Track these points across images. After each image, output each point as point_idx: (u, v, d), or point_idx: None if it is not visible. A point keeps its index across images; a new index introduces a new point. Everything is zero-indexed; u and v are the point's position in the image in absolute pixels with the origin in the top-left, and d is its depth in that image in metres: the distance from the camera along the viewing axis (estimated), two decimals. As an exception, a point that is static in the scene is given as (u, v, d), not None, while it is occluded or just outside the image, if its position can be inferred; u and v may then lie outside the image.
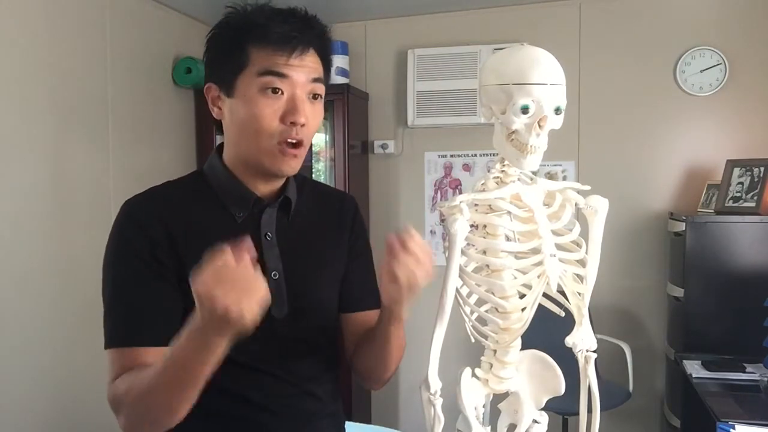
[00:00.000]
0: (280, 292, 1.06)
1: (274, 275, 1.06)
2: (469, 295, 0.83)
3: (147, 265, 1.00)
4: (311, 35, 1.04)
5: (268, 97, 1.00)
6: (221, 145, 1.12)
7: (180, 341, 0.86)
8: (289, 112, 1.01)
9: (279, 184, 1.12)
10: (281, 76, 1.00)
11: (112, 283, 1.03)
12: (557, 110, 0.78)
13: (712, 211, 2.62)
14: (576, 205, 0.85)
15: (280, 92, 1.01)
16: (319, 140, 3.06)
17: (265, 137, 1.01)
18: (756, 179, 2.53)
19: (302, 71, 1.02)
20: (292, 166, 1.05)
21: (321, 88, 1.06)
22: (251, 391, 1.05)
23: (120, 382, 0.96)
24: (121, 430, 0.97)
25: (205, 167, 1.13)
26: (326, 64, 1.09)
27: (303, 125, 1.02)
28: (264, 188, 1.10)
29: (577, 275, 0.84)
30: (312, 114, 1.04)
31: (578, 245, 0.84)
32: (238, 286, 0.77)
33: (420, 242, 0.91)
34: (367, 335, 1.13)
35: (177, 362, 0.87)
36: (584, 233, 0.84)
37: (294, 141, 1.02)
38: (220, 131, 1.11)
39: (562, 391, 0.89)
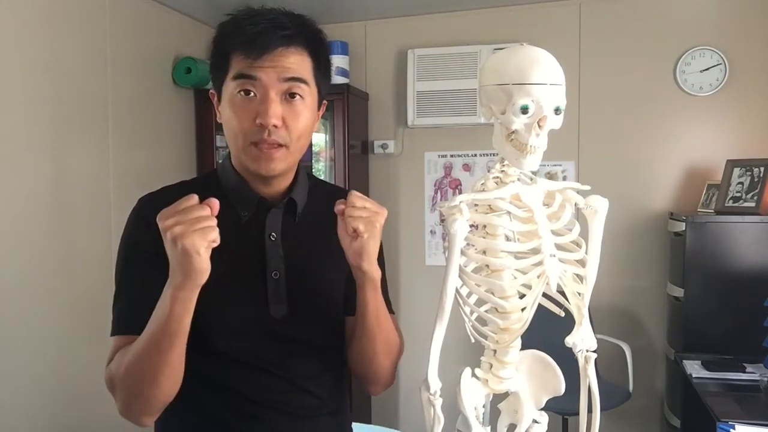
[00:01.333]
0: (279, 292, 1.07)
1: (275, 275, 1.08)
2: (469, 295, 0.83)
3: (151, 261, 1.02)
4: (282, 32, 1.03)
5: (243, 99, 1.03)
6: None
7: (157, 304, 0.94)
8: (259, 114, 1.02)
9: (281, 185, 1.12)
10: (251, 78, 1.02)
11: (120, 276, 1.08)
12: (557, 110, 0.77)
13: (712, 211, 2.62)
14: (576, 205, 0.85)
15: (252, 94, 1.02)
16: (319, 140, 3.07)
17: (241, 139, 1.04)
18: (756, 179, 2.53)
19: (273, 71, 1.01)
20: (270, 166, 1.04)
21: (299, 87, 1.04)
22: (250, 389, 1.06)
23: (114, 362, 1.02)
24: (119, 413, 1.01)
25: (218, 167, 1.17)
26: (316, 61, 1.08)
27: (276, 126, 1.02)
28: (266, 189, 1.11)
29: (577, 275, 0.84)
30: (290, 114, 1.03)
31: (578, 245, 0.84)
32: (192, 222, 0.87)
33: (361, 195, 0.99)
34: (356, 328, 1.11)
35: (154, 324, 0.94)
36: (584, 233, 0.84)
37: (268, 142, 1.02)
38: (220, 131, 1.13)
39: (562, 391, 0.89)
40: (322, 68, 1.09)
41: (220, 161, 1.18)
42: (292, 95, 1.04)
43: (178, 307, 0.91)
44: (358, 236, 0.98)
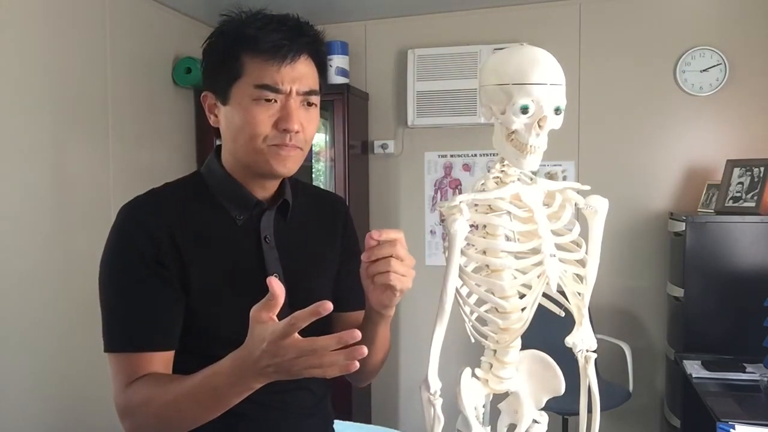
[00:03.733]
0: None
1: (275, 277, 1.08)
2: (469, 295, 0.83)
3: (152, 269, 1.01)
4: (302, 42, 1.04)
5: (261, 105, 1.03)
6: (219, 146, 1.14)
7: (219, 369, 0.88)
8: (281, 119, 1.02)
9: (275, 187, 1.14)
10: (276, 90, 1.02)
11: (115, 286, 1.03)
12: (557, 110, 0.78)
13: (712, 211, 2.62)
14: (576, 205, 0.85)
15: (273, 101, 1.03)
16: (319, 140, 3.06)
17: (259, 143, 1.03)
18: (756, 179, 2.53)
19: (295, 82, 1.03)
20: (288, 167, 1.06)
21: (315, 99, 1.08)
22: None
23: (134, 392, 0.97)
24: None
25: (203, 169, 1.15)
26: (321, 69, 1.11)
27: (297, 132, 1.04)
28: (262, 191, 1.12)
29: (577, 275, 0.84)
30: (307, 120, 1.06)
31: (578, 245, 0.84)
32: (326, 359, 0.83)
33: (401, 240, 0.92)
34: None
35: (211, 388, 0.90)
36: (584, 233, 0.84)
37: (289, 146, 1.04)
38: (219, 134, 1.12)
39: (562, 391, 0.89)
40: (323, 72, 1.13)
41: (203, 164, 1.16)
42: (309, 103, 1.07)
43: (247, 392, 0.88)
44: (392, 292, 0.94)
